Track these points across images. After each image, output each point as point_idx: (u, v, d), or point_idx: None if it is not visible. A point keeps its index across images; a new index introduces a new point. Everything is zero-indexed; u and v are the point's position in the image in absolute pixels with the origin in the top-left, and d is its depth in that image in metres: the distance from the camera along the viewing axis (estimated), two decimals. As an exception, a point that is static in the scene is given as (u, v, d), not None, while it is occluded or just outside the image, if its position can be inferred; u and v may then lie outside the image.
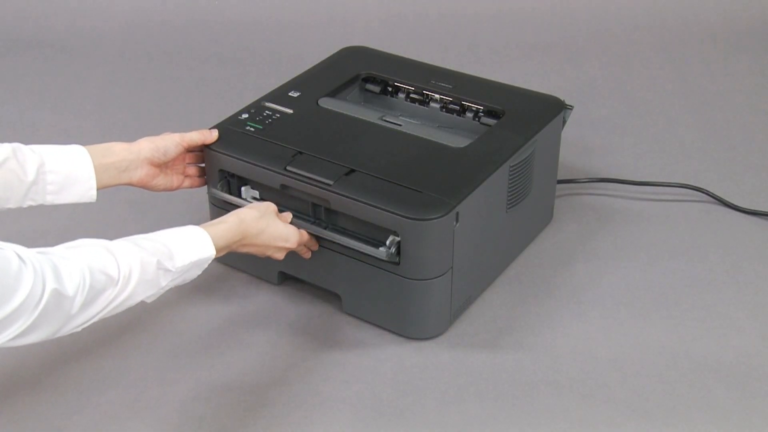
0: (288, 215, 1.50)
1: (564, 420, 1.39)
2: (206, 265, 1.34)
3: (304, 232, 1.49)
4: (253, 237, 1.42)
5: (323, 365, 1.49)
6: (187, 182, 1.59)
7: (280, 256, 1.48)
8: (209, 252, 1.33)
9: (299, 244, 1.49)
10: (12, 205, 1.37)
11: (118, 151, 1.46)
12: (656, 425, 1.38)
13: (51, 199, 1.40)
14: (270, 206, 1.47)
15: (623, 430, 1.38)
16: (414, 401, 1.43)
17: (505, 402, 1.42)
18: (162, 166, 1.52)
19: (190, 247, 1.31)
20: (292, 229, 1.47)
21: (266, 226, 1.43)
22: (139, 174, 1.48)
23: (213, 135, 1.57)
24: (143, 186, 1.51)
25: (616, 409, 1.41)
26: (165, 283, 1.27)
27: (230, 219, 1.40)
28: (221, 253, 1.37)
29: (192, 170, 1.60)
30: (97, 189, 1.43)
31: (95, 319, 1.19)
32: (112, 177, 1.45)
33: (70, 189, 1.41)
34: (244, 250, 1.43)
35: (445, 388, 1.45)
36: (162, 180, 1.52)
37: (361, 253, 1.47)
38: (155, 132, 2.12)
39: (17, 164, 1.35)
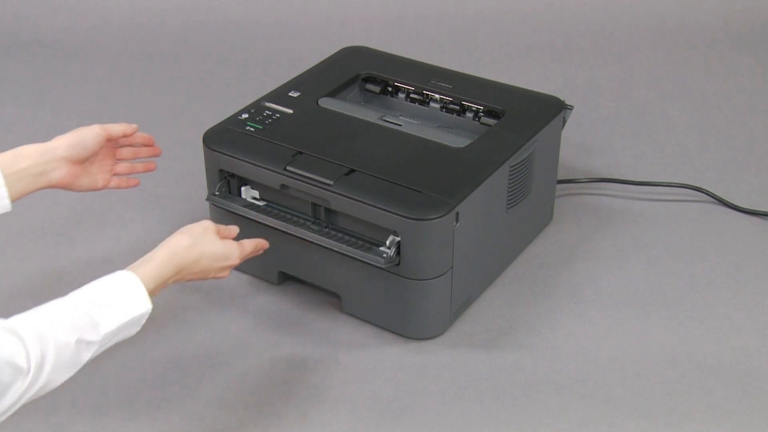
0: (234, 229, 1.40)
1: (564, 420, 1.39)
2: (143, 321, 1.21)
3: (245, 244, 1.39)
4: (190, 267, 1.29)
5: (323, 365, 1.49)
6: (114, 181, 1.47)
7: (224, 275, 1.36)
8: (143, 308, 1.20)
9: (242, 259, 1.38)
10: None
11: (30, 154, 1.33)
12: (656, 425, 1.38)
13: None
14: (206, 226, 1.34)
15: (623, 430, 1.38)
16: (414, 401, 1.42)
17: (505, 402, 1.42)
18: (85, 163, 1.41)
19: (118, 305, 1.17)
20: (232, 245, 1.35)
21: (201, 251, 1.30)
22: (59, 175, 1.36)
23: (133, 126, 1.45)
24: (65, 187, 1.39)
25: (616, 409, 1.41)
26: (89, 356, 1.15)
27: (160, 254, 1.26)
28: (156, 294, 1.24)
29: (123, 168, 1.48)
30: (13, 199, 1.32)
31: (9, 413, 1.08)
32: (26, 184, 1.33)
33: None
34: (185, 280, 1.31)
35: (445, 388, 1.45)
36: (86, 180, 1.41)
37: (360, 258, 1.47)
38: (155, 131, 2.12)
39: None
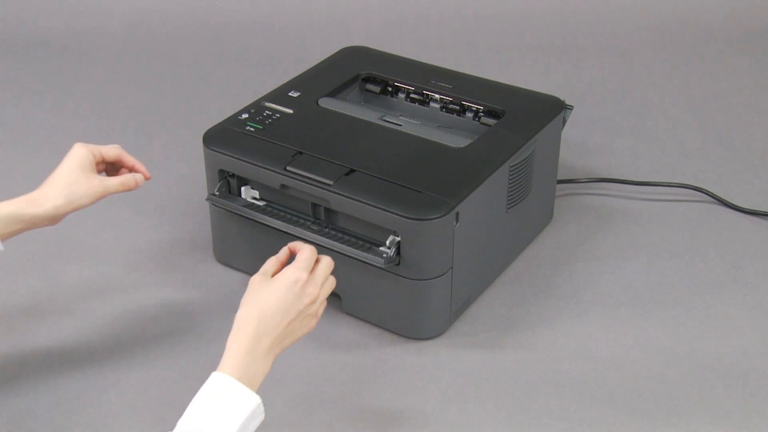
0: (283, 251, 1.29)
1: (564, 420, 1.39)
2: (261, 412, 1.15)
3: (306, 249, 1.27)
4: (264, 323, 1.18)
5: (323, 365, 1.49)
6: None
7: (307, 301, 1.22)
8: (250, 405, 1.13)
9: (313, 254, 1.26)
10: None
11: (27, 218, 1.32)
12: (656, 425, 1.38)
13: None
14: (256, 278, 1.24)
15: (623, 430, 1.38)
16: (414, 401, 1.43)
17: (505, 402, 1.42)
18: None
19: (223, 416, 1.11)
20: (289, 270, 1.23)
21: (257, 303, 1.20)
22: (49, 224, 1.36)
23: (138, 180, 1.42)
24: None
25: (616, 409, 1.41)
26: None
27: (228, 340, 1.18)
28: (261, 374, 1.17)
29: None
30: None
31: None
32: (16, 233, 1.34)
33: None
34: (285, 344, 1.21)
35: (445, 388, 1.45)
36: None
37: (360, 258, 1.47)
38: (155, 131, 2.12)
39: None
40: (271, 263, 1.27)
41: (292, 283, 1.21)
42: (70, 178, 1.35)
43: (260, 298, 1.20)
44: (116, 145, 1.44)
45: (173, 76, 2.31)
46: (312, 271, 1.25)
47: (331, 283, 1.29)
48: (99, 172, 1.42)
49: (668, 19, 2.51)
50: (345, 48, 1.89)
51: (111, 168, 1.45)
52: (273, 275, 1.24)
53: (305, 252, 1.26)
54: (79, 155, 1.37)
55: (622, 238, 1.76)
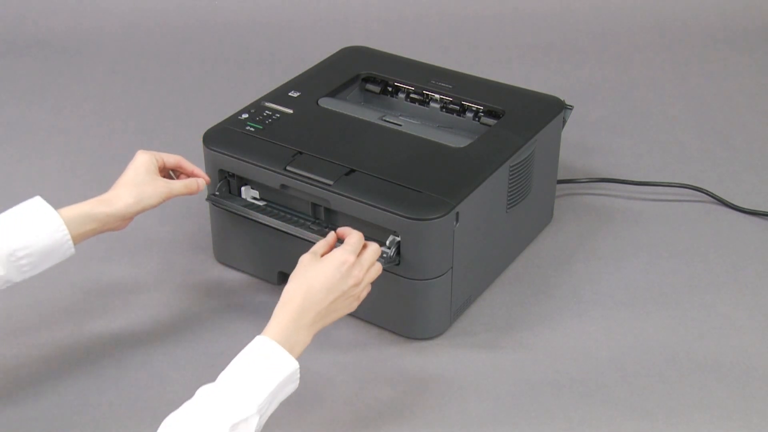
0: (331, 235, 1.39)
1: (564, 420, 1.39)
2: (297, 379, 1.23)
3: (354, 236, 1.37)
4: (309, 297, 1.27)
5: (323, 365, 1.49)
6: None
7: (357, 274, 1.32)
8: (288, 368, 1.21)
9: (360, 242, 1.35)
10: None
11: (100, 217, 1.37)
12: (656, 425, 1.38)
13: (26, 277, 1.33)
14: (306, 257, 1.33)
15: (623, 430, 1.38)
16: (414, 401, 1.42)
17: (505, 402, 1.42)
18: None
19: (264, 374, 1.19)
20: (338, 252, 1.33)
21: (305, 274, 1.30)
22: (118, 226, 1.42)
23: (200, 184, 1.49)
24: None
25: (616, 409, 1.41)
26: (253, 428, 1.16)
27: (276, 308, 1.28)
28: (302, 344, 1.26)
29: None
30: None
31: None
32: (92, 235, 1.39)
33: (46, 261, 1.33)
34: (327, 319, 1.30)
35: (445, 388, 1.45)
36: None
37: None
38: (155, 131, 2.12)
39: None
40: (321, 245, 1.37)
41: (340, 264, 1.31)
42: (138, 179, 1.42)
43: (309, 274, 1.30)
44: (177, 156, 1.51)
45: (173, 76, 2.31)
46: (359, 255, 1.34)
47: (376, 270, 1.37)
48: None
49: (668, 19, 2.51)
50: (345, 48, 1.89)
51: (168, 176, 1.51)
52: (322, 256, 1.34)
53: (354, 237, 1.36)
54: (144, 160, 1.44)
55: (622, 238, 1.76)
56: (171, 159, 1.49)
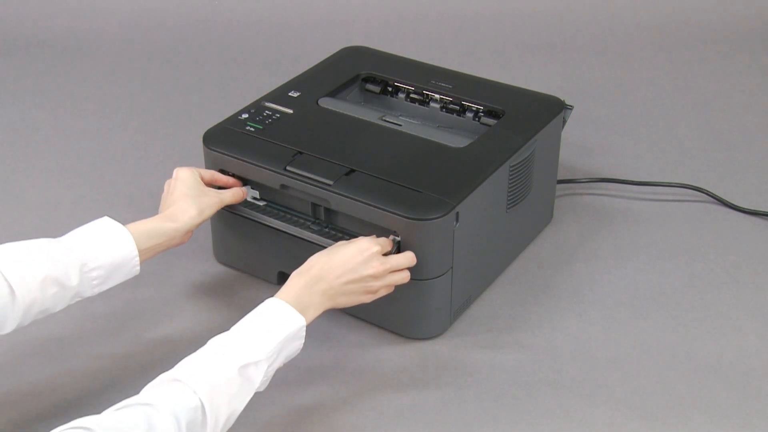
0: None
1: (564, 420, 1.39)
2: (303, 336, 1.29)
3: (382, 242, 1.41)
4: (326, 271, 1.33)
5: (323, 365, 1.49)
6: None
7: (376, 267, 1.37)
8: (295, 324, 1.27)
9: (380, 246, 1.39)
10: (60, 308, 1.33)
11: (168, 231, 1.42)
12: (656, 425, 1.38)
13: (95, 292, 1.36)
14: (339, 242, 1.40)
15: (623, 430, 1.38)
16: (414, 401, 1.43)
17: (505, 402, 1.42)
18: None
19: (270, 327, 1.25)
20: (364, 239, 1.39)
21: (335, 252, 1.36)
22: (182, 240, 1.47)
23: (244, 192, 1.57)
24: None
25: (616, 409, 1.41)
26: (261, 376, 1.22)
27: (301, 269, 1.35)
28: (313, 309, 1.31)
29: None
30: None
31: None
32: (156, 253, 1.43)
33: (114, 276, 1.36)
34: (339, 299, 1.35)
35: (445, 388, 1.45)
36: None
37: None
38: (155, 131, 2.12)
39: (60, 272, 1.29)
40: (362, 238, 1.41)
41: (363, 249, 1.36)
42: (192, 192, 1.47)
43: (333, 251, 1.36)
44: (210, 170, 1.56)
45: (173, 76, 2.31)
46: (388, 254, 1.39)
47: (402, 276, 1.41)
48: None
49: (668, 19, 2.51)
50: (345, 48, 1.89)
51: None
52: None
53: (388, 244, 1.41)
54: (189, 175, 1.49)
55: (622, 238, 1.76)
56: (206, 174, 1.54)
